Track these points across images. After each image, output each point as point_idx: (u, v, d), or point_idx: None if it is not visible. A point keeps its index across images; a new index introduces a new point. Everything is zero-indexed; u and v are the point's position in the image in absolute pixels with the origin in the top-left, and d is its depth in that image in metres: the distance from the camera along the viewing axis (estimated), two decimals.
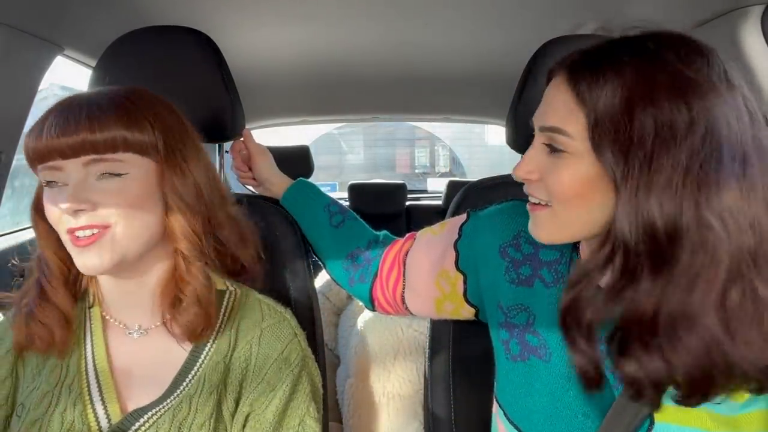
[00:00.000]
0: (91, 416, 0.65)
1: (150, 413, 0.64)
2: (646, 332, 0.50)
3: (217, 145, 0.98)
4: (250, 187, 1.04)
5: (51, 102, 0.65)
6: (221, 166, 1.00)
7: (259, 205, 0.93)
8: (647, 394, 0.52)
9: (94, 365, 0.68)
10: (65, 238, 0.62)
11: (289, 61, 1.63)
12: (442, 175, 8.39)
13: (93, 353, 0.69)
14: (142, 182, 0.63)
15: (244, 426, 0.67)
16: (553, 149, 0.55)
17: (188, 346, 0.69)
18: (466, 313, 0.77)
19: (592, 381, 0.54)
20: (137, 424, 0.64)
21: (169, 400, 0.65)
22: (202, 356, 0.69)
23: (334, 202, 0.93)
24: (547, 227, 0.59)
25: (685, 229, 0.48)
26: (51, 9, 1.03)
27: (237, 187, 1.11)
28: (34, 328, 0.65)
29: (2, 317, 0.74)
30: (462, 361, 0.90)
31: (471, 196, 0.95)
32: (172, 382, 0.67)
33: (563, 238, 0.59)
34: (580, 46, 0.56)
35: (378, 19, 1.30)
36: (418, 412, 1.15)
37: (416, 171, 8.67)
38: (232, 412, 0.67)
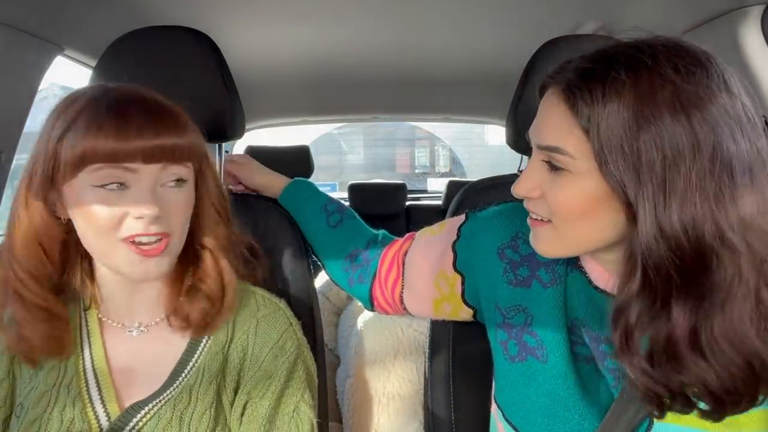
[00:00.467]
0: (90, 414, 0.65)
1: (150, 405, 0.65)
2: (689, 348, 0.49)
3: (217, 145, 0.98)
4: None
5: (51, 102, 0.64)
6: (221, 166, 1.00)
7: (259, 205, 0.93)
8: (677, 407, 0.52)
9: (93, 366, 0.68)
10: (117, 244, 0.61)
11: (289, 61, 1.63)
12: (442, 175, 8.39)
13: (91, 354, 0.69)
14: (193, 190, 0.67)
15: (242, 414, 0.68)
16: (553, 167, 0.54)
17: (187, 338, 0.70)
18: (465, 314, 0.77)
19: (662, 404, 0.52)
20: (137, 417, 0.64)
21: (168, 391, 0.66)
22: (200, 347, 0.70)
23: (331, 201, 0.93)
24: (548, 242, 0.58)
25: (709, 247, 0.47)
26: (51, 9, 1.03)
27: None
28: (24, 332, 0.64)
29: None
30: (462, 361, 0.90)
31: (471, 197, 0.95)
32: (170, 374, 0.68)
33: (565, 253, 0.59)
34: (579, 47, 0.56)
35: (378, 20, 1.30)
36: (418, 412, 1.15)
37: (416, 171, 8.67)
38: (231, 401, 0.69)
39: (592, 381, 0.62)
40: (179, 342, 0.70)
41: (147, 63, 0.84)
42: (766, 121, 0.52)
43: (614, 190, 0.50)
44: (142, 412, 0.64)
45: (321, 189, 0.96)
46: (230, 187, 1.01)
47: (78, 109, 0.60)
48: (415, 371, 1.18)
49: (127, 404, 0.66)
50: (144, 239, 0.61)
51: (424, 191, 3.87)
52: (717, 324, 0.48)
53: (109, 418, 0.65)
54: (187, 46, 0.87)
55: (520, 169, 1.01)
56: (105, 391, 0.67)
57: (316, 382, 0.78)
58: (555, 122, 0.53)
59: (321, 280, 1.47)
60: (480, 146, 8.56)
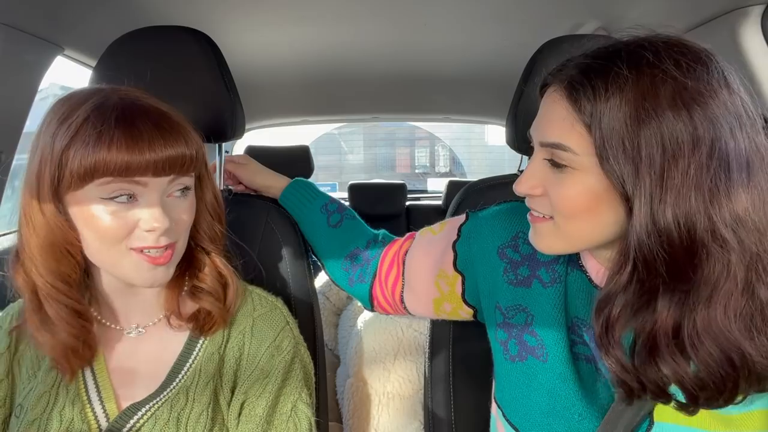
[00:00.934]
0: (90, 414, 0.65)
1: (147, 407, 0.65)
2: (670, 342, 0.50)
3: (217, 145, 0.98)
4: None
5: (51, 102, 0.63)
6: (221, 166, 1.00)
7: (259, 205, 0.93)
8: (646, 397, 0.53)
9: (91, 367, 0.68)
10: (125, 254, 0.61)
11: (289, 61, 1.63)
12: (442, 175, 8.40)
13: None
14: (194, 196, 0.67)
15: (239, 414, 0.68)
16: (555, 164, 0.54)
17: (184, 339, 0.70)
18: (465, 313, 0.77)
19: (633, 392, 0.53)
20: (135, 418, 0.64)
21: (165, 393, 0.66)
22: (197, 348, 0.70)
23: (332, 201, 0.93)
24: (549, 239, 0.59)
25: (701, 242, 0.48)
26: (51, 9, 1.03)
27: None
28: (67, 338, 0.63)
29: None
30: (462, 361, 0.90)
31: (471, 196, 0.95)
32: (167, 375, 0.68)
33: (565, 250, 0.59)
34: (579, 47, 0.55)
35: (378, 20, 1.30)
36: (418, 412, 1.14)
37: (416, 171, 8.68)
38: (228, 401, 0.69)
39: (592, 380, 0.62)
40: (176, 343, 0.70)
41: (147, 63, 0.84)
42: (766, 120, 0.52)
43: (614, 185, 0.50)
44: (140, 413, 0.65)
45: (321, 189, 0.96)
46: (230, 187, 1.01)
47: (83, 118, 0.59)
48: (415, 371, 1.18)
49: (126, 404, 0.66)
50: (153, 251, 0.62)
51: (424, 191, 3.88)
52: (701, 318, 0.49)
53: (108, 418, 0.65)
54: (187, 46, 0.87)
55: (520, 169, 1.01)
56: (103, 391, 0.67)
57: (314, 380, 0.78)
58: (557, 119, 0.53)
59: (321, 280, 1.47)
60: (480, 146, 8.57)
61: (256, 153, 2.28)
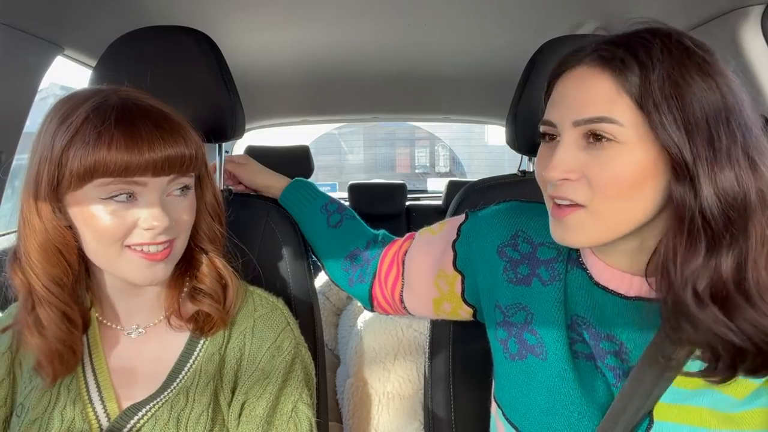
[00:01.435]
0: (91, 414, 0.65)
1: (147, 407, 0.65)
2: (735, 299, 0.51)
3: (217, 145, 0.98)
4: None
5: (51, 102, 0.63)
6: (221, 166, 1.00)
7: (259, 205, 0.93)
8: (720, 366, 0.52)
9: (92, 366, 0.68)
10: (124, 252, 0.61)
11: (289, 61, 1.63)
12: (442, 175, 8.40)
13: (90, 354, 0.69)
14: (195, 196, 0.68)
15: (240, 414, 0.68)
16: (596, 139, 0.53)
17: (184, 340, 0.70)
18: (464, 313, 0.77)
19: (738, 352, 0.51)
20: (135, 418, 0.64)
21: (165, 393, 0.66)
22: (198, 349, 0.70)
23: (332, 201, 0.93)
24: (583, 230, 0.55)
25: (754, 199, 0.50)
26: (51, 9, 1.03)
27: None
28: (52, 342, 0.63)
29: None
30: (462, 361, 0.90)
31: (471, 196, 0.95)
32: (168, 376, 0.68)
33: (600, 240, 0.56)
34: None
35: (378, 20, 1.30)
36: (418, 412, 1.15)
37: (416, 171, 8.68)
38: (228, 402, 0.69)
39: (591, 379, 0.62)
40: (177, 343, 0.70)
41: (147, 63, 0.84)
42: (766, 121, 0.53)
43: (666, 154, 0.50)
44: (140, 413, 0.65)
45: (321, 189, 0.96)
46: (230, 187, 1.01)
47: (83, 118, 0.59)
48: (415, 371, 1.18)
49: (126, 404, 0.66)
50: (152, 248, 0.62)
51: (424, 191, 3.88)
52: (764, 270, 0.51)
53: (109, 417, 0.66)
54: (187, 47, 0.87)
55: (521, 170, 1.01)
56: (104, 391, 0.67)
57: (315, 381, 0.78)
58: (599, 93, 0.52)
59: (321, 280, 1.47)
60: (480, 146, 8.57)
61: (256, 153, 2.29)
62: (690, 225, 0.51)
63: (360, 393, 1.21)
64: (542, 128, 0.58)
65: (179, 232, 0.65)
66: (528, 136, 0.90)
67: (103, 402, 0.66)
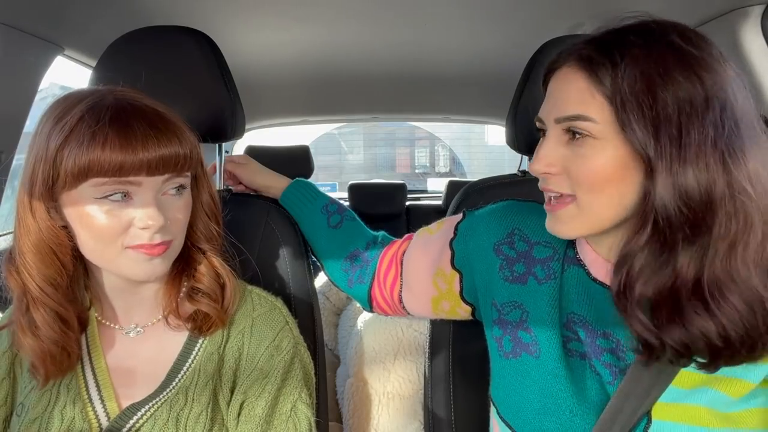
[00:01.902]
0: (90, 413, 0.65)
1: (146, 407, 0.65)
2: (692, 297, 0.51)
3: (217, 145, 0.98)
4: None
5: (51, 102, 0.64)
6: (221, 166, 1.00)
7: (259, 204, 0.93)
8: (698, 358, 0.53)
9: (92, 365, 0.68)
10: (121, 251, 0.61)
11: (289, 61, 1.63)
12: (442, 175, 8.41)
13: (89, 354, 0.69)
14: (190, 196, 0.68)
15: (239, 414, 0.68)
16: (575, 136, 0.55)
17: (183, 339, 0.70)
18: (463, 311, 0.77)
19: (652, 349, 0.54)
20: (135, 418, 0.64)
21: (164, 393, 0.66)
22: (196, 348, 0.70)
23: (332, 202, 0.93)
24: (573, 221, 0.58)
25: (719, 197, 0.50)
26: (51, 9, 1.03)
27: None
28: (45, 343, 0.63)
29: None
30: (462, 361, 0.90)
31: (471, 196, 0.95)
32: (166, 376, 0.68)
33: (588, 231, 0.58)
34: None
35: (378, 20, 1.30)
36: (418, 412, 1.15)
37: (416, 171, 8.68)
38: (227, 401, 0.69)
39: (583, 378, 0.62)
40: (175, 343, 0.70)
41: (147, 63, 0.84)
42: (765, 122, 0.53)
43: (635, 150, 0.51)
44: (139, 413, 0.65)
45: (321, 189, 0.96)
46: (230, 187, 1.01)
47: (78, 117, 0.59)
48: (415, 371, 1.18)
49: (126, 404, 0.66)
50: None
51: (424, 191, 3.88)
52: (721, 269, 0.50)
53: (109, 417, 0.66)
54: (187, 47, 0.87)
55: (521, 170, 1.01)
56: (104, 390, 0.67)
57: (314, 380, 0.78)
58: (575, 92, 0.55)
59: (321, 280, 1.47)
60: (480, 146, 8.57)
61: (256, 153, 2.29)
62: (647, 220, 0.52)
63: (360, 393, 1.21)
64: (537, 125, 0.61)
65: (176, 233, 0.65)
66: (528, 136, 0.90)
67: (102, 401, 0.66)
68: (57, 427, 0.64)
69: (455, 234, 0.76)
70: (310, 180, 0.99)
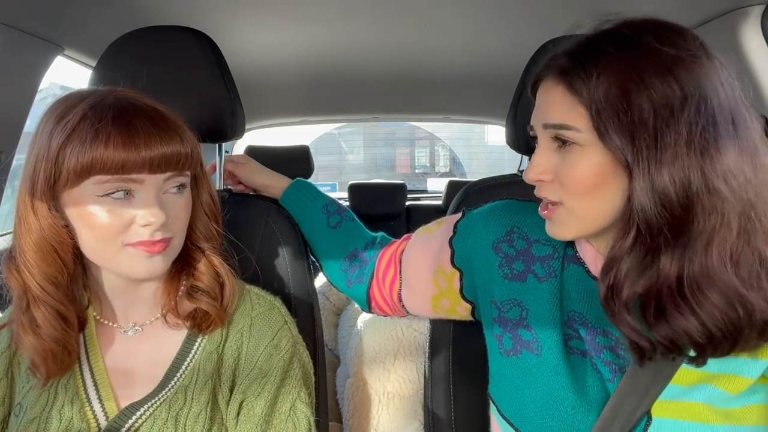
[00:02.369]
0: (89, 413, 0.65)
1: (145, 407, 0.65)
2: (674, 296, 0.52)
3: (217, 145, 0.98)
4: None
5: (51, 102, 0.64)
6: (221, 166, 1.00)
7: (259, 204, 0.93)
8: (686, 353, 0.54)
9: (89, 365, 0.68)
10: (122, 249, 0.61)
11: (289, 61, 1.63)
12: (442, 175, 8.41)
13: (87, 353, 0.69)
14: (190, 195, 0.68)
15: (238, 413, 0.68)
16: (562, 143, 0.57)
17: (181, 338, 0.70)
18: (462, 310, 0.77)
19: (644, 353, 0.55)
20: (134, 418, 0.64)
21: (163, 392, 0.66)
22: (195, 347, 0.70)
23: (332, 202, 0.94)
24: (563, 224, 0.60)
25: (696, 196, 0.50)
26: (51, 9, 1.03)
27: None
28: (46, 341, 0.63)
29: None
30: (462, 361, 0.90)
31: (471, 196, 0.95)
32: (165, 375, 0.68)
33: (582, 232, 0.60)
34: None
35: (378, 20, 1.30)
36: (418, 412, 1.14)
37: (416, 171, 8.68)
38: (227, 401, 0.69)
39: (584, 375, 0.62)
40: (174, 342, 0.70)
41: (147, 63, 0.84)
42: (766, 121, 0.53)
43: (615, 157, 0.53)
44: (138, 413, 0.65)
45: (321, 189, 0.96)
46: (230, 187, 1.01)
47: (80, 116, 0.59)
48: (415, 371, 1.18)
49: (125, 403, 0.66)
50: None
51: (424, 191, 3.88)
52: (699, 266, 0.51)
53: (107, 417, 0.65)
54: (187, 46, 0.87)
55: (521, 169, 1.02)
56: (102, 390, 0.67)
57: (313, 380, 0.78)
58: (557, 104, 0.56)
59: (321, 280, 1.47)
60: (480, 146, 8.57)
61: (256, 153, 2.29)
62: (631, 224, 0.53)
63: (360, 393, 1.21)
64: (530, 132, 0.62)
65: (176, 231, 0.65)
66: (528, 136, 0.90)
67: (101, 401, 0.66)
68: (55, 428, 0.64)
69: (455, 232, 0.77)
70: (310, 180, 0.99)
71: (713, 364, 0.55)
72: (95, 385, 0.67)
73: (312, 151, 2.48)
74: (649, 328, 0.54)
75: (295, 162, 2.38)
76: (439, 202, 2.89)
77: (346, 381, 1.28)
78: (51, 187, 0.60)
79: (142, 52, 0.86)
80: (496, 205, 0.76)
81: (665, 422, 0.57)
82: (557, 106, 0.56)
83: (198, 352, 0.69)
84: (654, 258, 0.53)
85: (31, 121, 1.07)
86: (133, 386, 0.67)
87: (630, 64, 0.52)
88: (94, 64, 0.90)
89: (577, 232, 0.60)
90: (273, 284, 0.88)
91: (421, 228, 0.84)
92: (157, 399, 0.65)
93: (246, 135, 2.44)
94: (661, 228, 0.51)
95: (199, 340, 0.70)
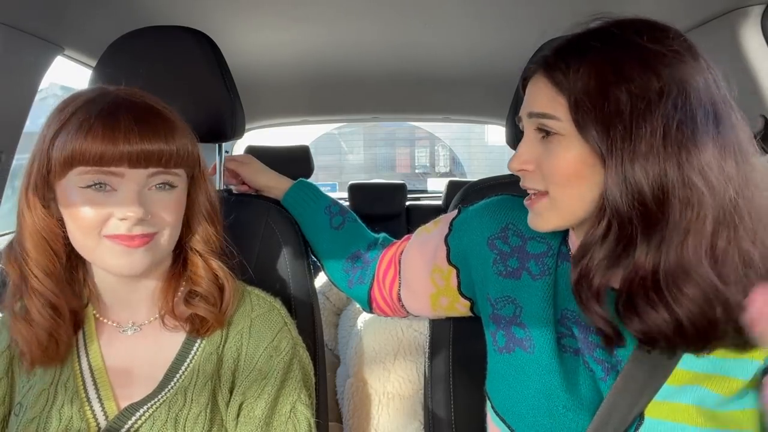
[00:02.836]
0: (89, 413, 0.65)
1: (145, 407, 0.65)
2: (648, 289, 0.53)
3: (217, 145, 0.98)
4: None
5: (51, 102, 0.65)
6: (221, 166, 1.00)
7: (260, 205, 0.93)
8: (660, 346, 0.54)
9: (89, 364, 0.68)
10: (101, 241, 0.62)
11: (289, 61, 1.63)
12: (442, 175, 8.41)
13: (87, 352, 0.69)
14: (184, 194, 0.68)
15: (238, 414, 0.68)
16: (546, 134, 0.58)
17: (180, 339, 0.70)
18: (461, 306, 0.77)
19: (610, 339, 0.56)
20: (133, 419, 0.64)
21: (162, 394, 0.66)
22: (195, 348, 0.70)
23: (334, 203, 0.94)
24: (546, 215, 0.60)
25: (671, 189, 0.51)
26: (51, 9, 1.03)
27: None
28: (39, 331, 0.64)
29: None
30: (462, 361, 0.90)
31: (471, 197, 0.95)
32: (164, 376, 0.68)
33: (562, 223, 0.60)
34: None
35: (378, 20, 1.30)
36: (418, 412, 1.14)
37: (416, 171, 8.68)
38: (226, 402, 0.69)
39: (577, 373, 0.62)
40: (174, 343, 0.70)
41: (147, 63, 0.84)
42: (765, 121, 0.53)
43: (592, 148, 0.53)
44: (137, 414, 0.64)
45: (321, 189, 0.96)
46: (231, 187, 1.01)
47: (72, 110, 0.61)
48: (415, 371, 1.18)
49: (125, 404, 0.66)
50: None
51: (424, 191, 3.88)
52: (674, 259, 0.51)
53: (107, 417, 0.65)
54: (187, 46, 0.87)
55: None
56: (102, 390, 0.67)
57: (313, 381, 0.78)
58: (540, 94, 0.58)
59: (321, 280, 1.47)
60: (480, 146, 8.57)
61: (256, 153, 2.27)
62: (603, 215, 0.54)
63: (360, 393, 1.21)
64: (518, 124, 0.64)
65: (160, 228, 0.64)
66: (516, 121, 0.90)
67: (100, 401, 0.66)
68: (55, 427, 0.64)
69: (450, 230, 0.77)
70: (310, 180, 0.99)
71: (702, 364, 0.55)
72: (95, 384, 0.67)
73: (312, 151, 2.48)
74: (621, 320, 0.54)
75: (295, 162, 2.38)
76: (439, 202, 2.89)
77: (346, 381, 1.28)
78: (45, 179, 0.62)
79: (142, 52, 0.86)
80: (491, 201, 0.76)
81: (656, 423, 0.57)
82: (542, 97, 0.57)
83: (198, 353, 0.69)
84: (627, 249, 0.53)
85: (31, 121, 1.07)
86: (132, 386, 0.67)
87: (611, 57, 0.53)
88: (94, 64, 0.90)
89: (556, 223, 0.60)
90: (273, 285, 0.88)
91: (420, 228, 0.84)
92: (156, 400, 0.65)
93: (246, 135, 2.44)
94: (631, 219, 0.52)
95: (198, 340, 0.70)
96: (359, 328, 1.32)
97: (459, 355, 0.90)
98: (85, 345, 0.69)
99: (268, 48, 1.50)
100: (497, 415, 0.66)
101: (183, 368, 0.68)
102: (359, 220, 0.93)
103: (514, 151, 0.97)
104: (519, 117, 0.62)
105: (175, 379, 0.67)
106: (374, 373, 1.21)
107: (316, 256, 0.94)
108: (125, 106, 0.62)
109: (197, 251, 0.71)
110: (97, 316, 0.71)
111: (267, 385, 0.69)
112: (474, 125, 6.63)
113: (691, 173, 0.50)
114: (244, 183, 1.00)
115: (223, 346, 0.70)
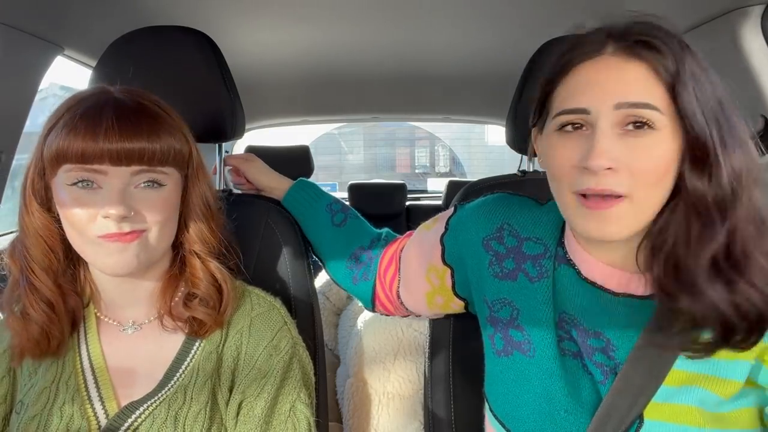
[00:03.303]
0: (89, 412, 0.66)
1: (145, 406, 0.65)
2: (730, 273, 0.51)
3: (217, 145, 0.98)
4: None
5: (51, 102, 0.65)
6: (221, 166, 1.00)
7: (260, 205, 0.93)
8: (742, 329, 0.51)
9: (90, 363, 0.69)
10: (92, 240, 0.62)
11: (289, 61, 1.63)
12: (442, 175, 8.40)
13: (88, 351, 0.69)
14: (175, 193, 0.67)
15: (237, 413, 0.68)
16: (636, 127, 0.52)
17: (181, 339, 0.70)
18: (456, 306, 0.77)
19: (731, 328, 0.51)
20: (133, 417, 0.64)
21: (163, 392, 0.66)
22: (195, 347, 0.70)
23: (335, 201, 0.93)
24: (624, 221, 0.53)
25: (745, 177, 0.52)
26: (51, 9, 1.03)
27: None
28: (32, 325, 0.65)
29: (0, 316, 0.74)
30: (462, 361, 0.90)
31: (470, 196, 0.94)
32: (164, 375, 0.68)
33: (638, 229, 0.55)
34: None
35: (378, 20, 1.30)
36: (418, 412, 1.15)
37: (416, 171, 8.68)
38: (226, 401, 0.69)
39: (577, 377, 0.61)
40: (174, 342, 0.70)
41: (147, 63, 0.84)
42: (766, 121, 0.54)
43: (692, 138, 0.51)
44: (137, 412, 0.65)
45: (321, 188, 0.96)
46: (232, 188, 1.01)
47: (64, 110, 0.62)
48: (415, 371, 1.18)
49: (125, 402, 0.66)
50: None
51: (424, 191, 3.88)
52: (748, 243, 0.52)
53: (108, 415, 0.66)
54: (187, 46, 0.87)
55: (521, 169, 1.01)
56: (103, 388, 0.67)
57: (313, 380, 0.78)
58: (638, 79, 0.52)
59: (321, 280, 1.47)
60: (480, 146, 8.56)
61: (256, 153, 2.27)
62: (704, 208, 0.52)
63: (360, 393, 1.21)
64: (570, 117, 0.55)
65: (149, 224, 0.64)
66: (528, 136, 0.90)
67: (101, 399, 0.67)
68: (56, 425, 0.64)
69: (446, 229, 0.76)
70: (310, 180, 0.99)
71: (697, 364, 0.55)
72: (96, 383, 0.67)
73: (312, 151, 2.48)
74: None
75: (295, 162, 2.38)
76: (439, 202, 2.89)
77: (346, 381, 1.28)
78: (41, 178, 0.64)
79: (142, 53, 0.86)
80: (487, 199, 0.75)
81: (657, 425, 0.56)
82: (636, 82, 0.52)
83: (198, 352, 0.70)
84: (719, 234, 0.51)
85: (31, 121, 1.07)
86: (133, 386, 0.67)
87: (689, 52, 0.53)
88: (94, 64, 0.90)
89: (634, 229, 0.54)
90: (273, 285, 0.88)
91: (421, 225, 0.83)
92: (156, 398, 0.66)
93: (246, 135, 2.44)
94: (725, 209, 0.51)
95: (198, 340, 0.70)
96: (359, 328, 1.32)
97: (459, 355, 0.90)
98: (87, 343, 0.70)
99: (268, 48, 1.50)
100: (496, 418, 0.66)
101: (183, 367, 0.69)
102: (361, 217, 0.93)
103: (513, 152, 0.98)
104: (580, 108, 0.54)
105: (175, 378, 0.68)
106: (374, 373, 1.21)
107: (318, 256, 0.94)
108: (111, 105, 0.62)
109: (195, 252, 0.70)
110: (99, 314, 0.71)
111: (267, 384, 0.69)
112: (474, 125, 6.63)
113: (751, 168, 0.52)
114: (247, 181, 1.00)
115: (223, 345, 0.71)
